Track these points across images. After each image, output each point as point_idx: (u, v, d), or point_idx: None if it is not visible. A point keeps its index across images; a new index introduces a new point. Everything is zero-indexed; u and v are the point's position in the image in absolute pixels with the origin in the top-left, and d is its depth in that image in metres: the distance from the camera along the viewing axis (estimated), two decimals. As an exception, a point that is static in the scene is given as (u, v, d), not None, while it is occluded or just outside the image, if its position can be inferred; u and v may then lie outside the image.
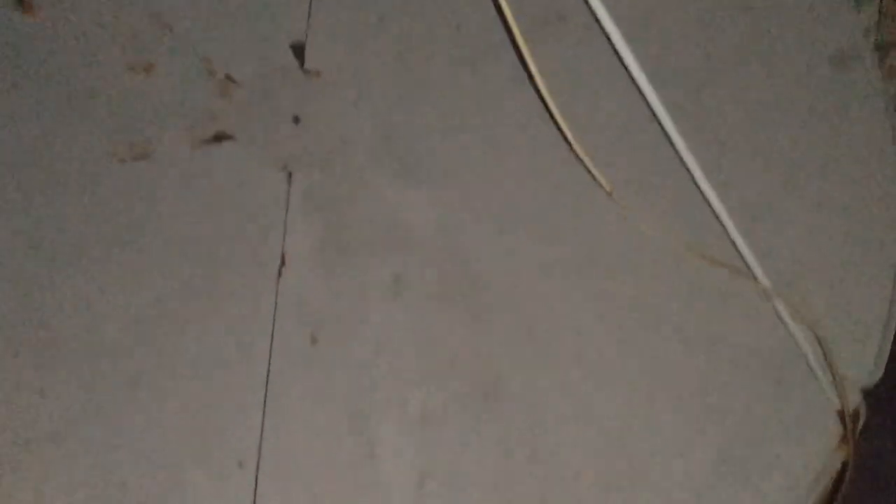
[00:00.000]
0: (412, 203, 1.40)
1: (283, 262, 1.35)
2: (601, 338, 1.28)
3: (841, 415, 1.18)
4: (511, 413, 1.24)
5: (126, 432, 1.19)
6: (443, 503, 1.18)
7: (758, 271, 1.13)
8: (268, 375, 1.25)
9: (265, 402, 1.23)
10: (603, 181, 1.14)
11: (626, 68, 0.96)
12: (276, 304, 1.31)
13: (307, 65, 1.49)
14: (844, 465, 1.18)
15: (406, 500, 1.18)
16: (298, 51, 1.50)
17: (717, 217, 1.07)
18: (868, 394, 1.25)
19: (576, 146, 1.06)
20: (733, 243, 1.11)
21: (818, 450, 1.17)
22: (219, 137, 1.43)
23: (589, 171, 1.13)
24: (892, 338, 1.26)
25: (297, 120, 1.46)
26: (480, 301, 1.33)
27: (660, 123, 1.01)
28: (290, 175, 1.42)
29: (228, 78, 1.47)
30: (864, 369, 1.24)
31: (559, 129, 1.03)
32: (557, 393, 1.25)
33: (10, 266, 1.31)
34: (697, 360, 1.25)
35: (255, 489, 1.16)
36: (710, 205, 1.07)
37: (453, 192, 1.41)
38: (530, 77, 1.00)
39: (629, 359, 1.26)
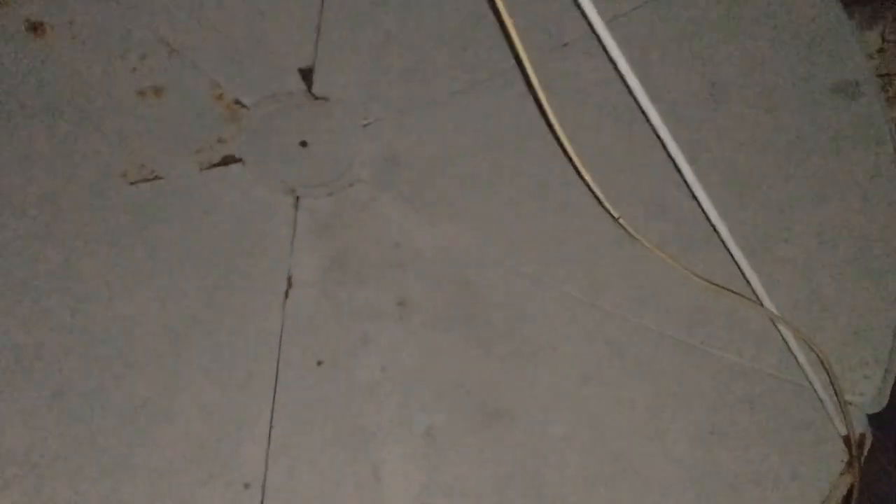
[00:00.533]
0: (418, 227, 1.41)
1: (289, 285, 1.36)
2: (607, 361, 1.29)
3: (847, 440, 1.18)
4: (515, 435, 1.24)
5: (134, 455, 1.19)
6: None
7: (764, 298, 1.13)
8: (274, 397, 1.25)
9: (271, 423, 1.23)
10: (610, 207, 1.15)
11: (632, 95, 0.97)
12: (282, 325, 1.31)
13: (315, 89, 1.51)
14: (850, 490, 1.17)
15: (410, 522, 1.17)
16: (307, 75, 1.52)
17: (723, 243, 1.08)
18: (873, 418, 1.25)
19: (583, 171, 1.06)
20: (740, 270, 1.12)
21: (825, 475, 1.17)
22: (227, 161, 1.45)
23: (596, 197, 1.13)
24: (897, 363, 1.26)
25: (304, 144, 1.47)
26: (485, 324, 1.33)
27: (667, 151, 1.02)
28: (297, 199, 1.43)
29: (237, 102, 1.48)
30: (869, 395, 1.24)
31: (566, 154, 1.04)
32: (562, 416, 1.25)
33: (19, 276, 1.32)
34: (704, 385, 1.25)
35: (262, 510, 1.16)
36: (716, 231, 1.08)
37: (460, 216, 1.42)
38: (537, 101, 1.02)
39: (635, 382, 1.26)
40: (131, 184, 1.40)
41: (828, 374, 1.15)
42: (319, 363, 1.30)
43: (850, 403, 1.21)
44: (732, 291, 1.20)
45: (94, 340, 1.28)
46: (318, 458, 1.22)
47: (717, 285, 1.22)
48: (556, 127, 1.02)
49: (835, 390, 1.17)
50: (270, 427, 1.23)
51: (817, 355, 1.16)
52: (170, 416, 1.23)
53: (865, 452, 1.22)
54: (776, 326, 1.18)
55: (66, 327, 1.28)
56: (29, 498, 1.14)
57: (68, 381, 1.24)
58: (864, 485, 1.22)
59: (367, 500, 1.19)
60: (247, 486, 1.19)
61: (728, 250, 1.08)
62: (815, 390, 1.17)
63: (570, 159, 1.06)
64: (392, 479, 1.21)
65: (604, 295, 1.33)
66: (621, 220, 1.20)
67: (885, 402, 1.24)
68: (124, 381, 1.24)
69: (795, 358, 1.16)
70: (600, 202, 1.15)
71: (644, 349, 1.28)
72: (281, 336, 1.31)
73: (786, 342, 1.16)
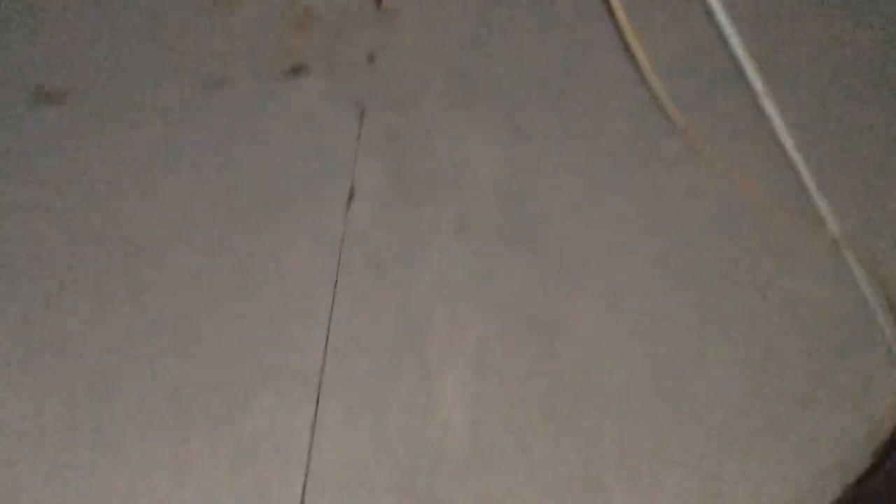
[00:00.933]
0: (480, 145, 1.41)
1: (351, 195, 1.38)
2: (661, 283, 1.29)
3: (904, 370, 1.17)
4: (566, 350, 1.25)
5: (199, 350, 1.23)
6: (495, 430, 1.19)
7: (830, 221, 1.11)
8: (333, 300, 1.28)
9: (329, 324, 1.26)
10: (676, 116, 1.13)
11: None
12: (343, 233, 1.34)
13: (385, 3, 1.51)
14: (903, 421, 1.16)
15: (460, 425, 1.19)
16: (378, -11, 1.53)
17: (791, 164, 1.06)
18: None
19: (651, 80, 1.05)
20: (807, 191, 1.10)
21: (882, 403, 1.16)
22: (295, 70, 1.46)
23: (662, 108, 1.12)
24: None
25: (371, 58, 1.48)
26: (541, 243, 1.34)
27: (738, 65, 1.01)
28: (362, 112, 1.44)
29: (308, 12, 1.50)
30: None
31: (635, 62, 1.03)
32: (614, 334, 1.25)
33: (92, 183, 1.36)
34: (762, 309, 1.24)
35: (317, 404, 1.19)
36: (785, 151, 1.06)
37: (522, 135, 1.42)
38: (609, 10, 1.01)
39: (689, 305, 1.26)
40: (200, 89, 1.43)
41: (889, 303, 1.13)
42: (378, 270, 1.32)
43: (911, 335, 1.20)
44: (797, 211, 1.17)
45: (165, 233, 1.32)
46: (373, 360, 1.24)
47: (782, 204, 1.20)
48: (628, 35, 1.01)
49: (893, 315, 1.15)
50: (328, 328, 1.26)
51: (880, 284, 1.14)
52: (231, 316, 1.26)
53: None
54: (840, 251, 1.16)
55: (143, 221, 1.33)
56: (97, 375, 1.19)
57: (138, 281, 1.28)
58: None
59: (419, 405, 1.21)
60: (304, 381, 1.22)
61: (795, 171, 1.06)
62: (876, 319, 1.15)
63: (639, 68, 1.05)
64: (443, 387, 1.23)
65: (661, 214, 1.32)
66: (686, 132, 1.18)
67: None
68: (189, 281, 1.28)
69: (858, 286, 1.14)
70: (666, 113, 1.13)
71: (701, 273, 1.28)
72: (342, 243, 1.33)
73: (849, 269, 1.14)
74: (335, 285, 1.30)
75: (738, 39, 0.96)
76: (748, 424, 1.15)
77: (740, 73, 1.02)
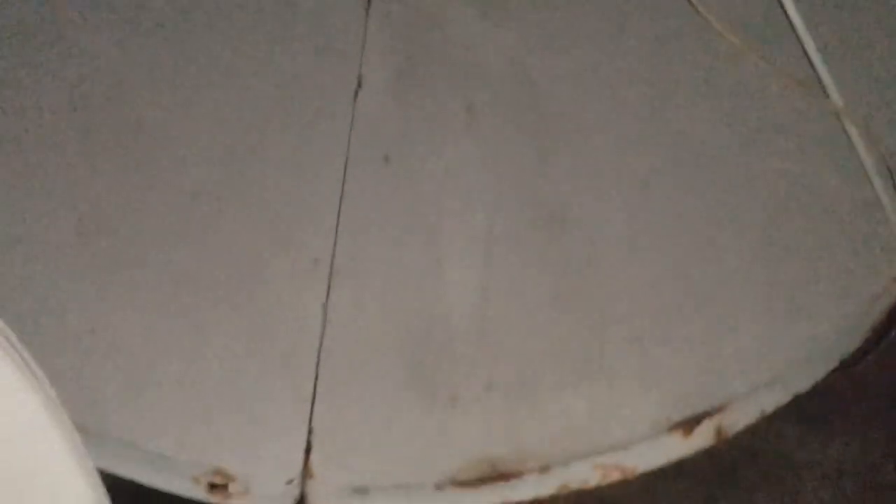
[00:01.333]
0: (489, 34, 1.42)
1: (359, 85, 1.39)
2: (668, 168, 1.31)
3: (905, 249, 1.19)
4: (573, 236, 1.27)
5: (212, 231, 1.26)
6: (504, 310, 1.22)
7: (832, 91, 1.13)
8: (343, 185, 1.30)
9: (339, 208, 1.28)
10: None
11: None
12: (351, 122, 1.36)
13: None
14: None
15: (468, 307, 1.22)
16: None
17: (794, 30, 1.07)
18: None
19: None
20: (809, 59, 1.11)
21: (881, 278, 1.19)
22: (300, -39, 1.46)
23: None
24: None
25: (379, -55, 1.48)
26: (550, 132, 1.36)
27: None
28: (368, 1, 1.45)
29: None
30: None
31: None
32: (620, 220, 1.28)
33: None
34: (764, 183, 1.26)
35: (329, 283, 1.22)
36: (788, 18, 1.07)
37: (531, 25, 1.42)
38: None
39: (694, 188, 1.28)
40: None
41: (891, 175, 1.16)
42: (387, 159, 1.34)
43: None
44: (799, 80, 1.18)
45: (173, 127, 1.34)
46: (383, 245, 1.27)
47: (783, 72, 1.20)
48: None
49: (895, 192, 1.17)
50: (339, 211, 1.28)
51: (881, 155, 1.16)
52: (243, 200, 1.28)
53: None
54: (842, 121, 1.18)
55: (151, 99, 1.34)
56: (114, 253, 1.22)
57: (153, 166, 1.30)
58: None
59: (429, 289, 1.24)
60: (316, 261, 1.25)
61: (799, 38, 1.07)
62: (875, 191, 1.17)
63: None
64: (453, 272, 1.26)
65: (671, 96, 1.34)
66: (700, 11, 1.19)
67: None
68: (202, 168, 1.31)
69: (859, 157, 1.16)
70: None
71: (702, 152, 1.30)
72: (350, 131, 1.35)
73: (850, 139, 1.16)
74: (345, 171, 1.32)
75: None
76: (748, 295, 1.18)
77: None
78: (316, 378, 1.14)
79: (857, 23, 1.34)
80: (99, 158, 1.28)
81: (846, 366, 1.19)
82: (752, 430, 1.51)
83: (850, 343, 1.14)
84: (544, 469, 1.07)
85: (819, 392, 1.52)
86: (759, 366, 1.12)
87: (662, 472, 1.55)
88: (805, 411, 1.54)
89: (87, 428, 1.03)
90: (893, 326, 1.20)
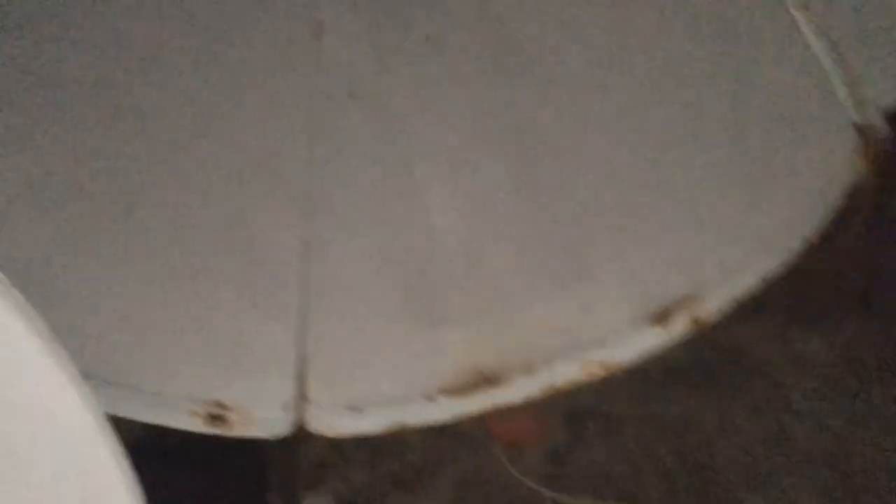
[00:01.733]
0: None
1: (318, 27, 1.40)
2: (632, 78, 1.34)
3: (858, 128, 1.22)
4: (544, 152, 1.30)
5: (186, 177, 1.28)
6: (482, 229, 1.25)
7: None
8: (311, 124, 1.32)
9: (313, 145, 1.30)
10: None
11: None
12: (315, 63, 1.37)
13: None
14: (862, 178, 1.23)
15: (449, 227, 1.25)
16: None
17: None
18: (892, 118, 1.28)
19: None
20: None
21: (836, 161, 1.22)
22: None
23: None
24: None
25: None
26: (515, 57, 1.38)
27: None
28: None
29: None
30: (887, 90, 1.27)
31: None
32: (586, 129, 1.31)
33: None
34: (719, 76, 1.29)
35: (309, 218, 1.24)
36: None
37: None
38: None
39: (651, 85, 1.31)
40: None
41: (842, 61, 1.18)
42: (354, 96, 1.37)
43: (866, 97, 1.25)
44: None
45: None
46: (359, 177, 1.29)
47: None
48: None
49: (848, 77, 1.20)
50: (312, 150, 1.31)
51: (832, 43, 1.19)
52: (215, 137, 1.31)
53: (880, 144, 1.26)
54: (789, 10, 1.20)
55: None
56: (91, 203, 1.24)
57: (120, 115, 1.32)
58: (879, 181, 1.27)
59: (406, 210, 1.27)
60: (294, 199, 1.27)
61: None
62: (829, 80, 1.20)
63: None
64: (428, 192, 1.29)
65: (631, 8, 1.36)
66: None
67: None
68: (164, 113, 1.32)
69: (809, 45, 1.19)
70: None
71: (656, 53, 1.33)
72: (315, 73, 1.37)
73: (798, 28, 1.19)
74: (313, 111, 1.34)
75: None
76: (712, 186, 1.22)
77: None
78: (305, 306, 1.16)
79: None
80: (68, 111, 1.30)
81: (815, 248, 1.23)
82: (727, 328, 1.56)
83: (811, 225, 1.18)
84: (530, 371, 1.10)
85: (794, 288, 1.57)
86: (728, 254, 1.16)
87: (651, 378, 1.60)
88: (783, 306, 1.59)
89: (85, 371, 1.06)
90: (856, 203, 1.24)
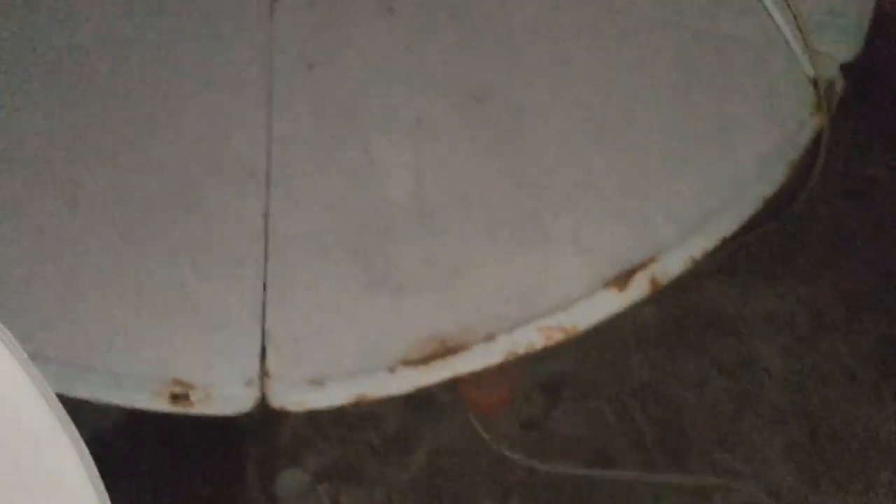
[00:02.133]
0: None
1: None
2: (584, 39, 1.33)
3: (814, 82, 1.22)
4: (500, 115, 1.30)
5: (145, 153, 1.27)
6: (438, 195, 1.24)
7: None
8: (270, 98, 1.31)
9: (270, 122, 1.30)
10: None
11: None
12: (270, 35, 1.36)
13: None
14: (819, 132, 1.23)
15: (405, 194, 1.25)
16: None
17: None
18: (847, 70, 1.28)
19: None
20: None
21: (793, 117, 1.22)
22: None
23: None
24: (870, 14, 1.28)
25: None
26: (468, 23, 1.38)
27: None
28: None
29: None
30: (842, 45, 1.27)
31: None
32: (543, 94, 1.30)
33: None
34: (674, 37, 1.28)
35: (267, 193, 1.24)
36: None
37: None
38: None
39: (608, 49, 1.30)
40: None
41: (795, 18, 1.18)
42: (310, 66, 1.36)
43: (821, 53, 1.25)
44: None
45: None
46: (316, 148, 1.29)
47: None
48: None
49: (801, 33, 1.20)
50: (269, 125, 1.30)
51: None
52: (174, 114, 1.30)
53: (837, 98, 1.26)
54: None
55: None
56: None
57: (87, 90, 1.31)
58: (836, 134, 1.27)
59: (365, 182, 1.27)
60: (251, 174, 1.27)
61: None
62: (784, 37, 1.20)
63: None
64: (386, 163, 1.28)
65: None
66: None
67: (857, 49, 1.27)
68: (132, 86, 1.32)
69: (766, 7, 1.18)
70: None
71: (613, 18, 1.31)
72: (270, 45, 1.36)
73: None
74: (271, 85, 1.33)
75: None
76: (668, 147, 1.22)
77: None
78: (265, 282, 1.16)
79: None
80: (35, 89, 1.30)
81: (776, 209, 1.23)
82: (697, 290, 1.56)
83: (772, 182, 1.18)
84: (490, 338, 1.10)
85: (762, 246, 1.57)
86: (684, 214, 1.16)
87: (621, 341, 1.60)
88: (750, 266, 1.59)
89: (43, 354, 1.06)
90: (815, 160, 1.24)
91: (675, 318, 1.63)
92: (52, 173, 1.23)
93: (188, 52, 1.36)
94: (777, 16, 1.19)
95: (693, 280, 1.53)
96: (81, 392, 1.06)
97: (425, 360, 1.10)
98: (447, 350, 1.10)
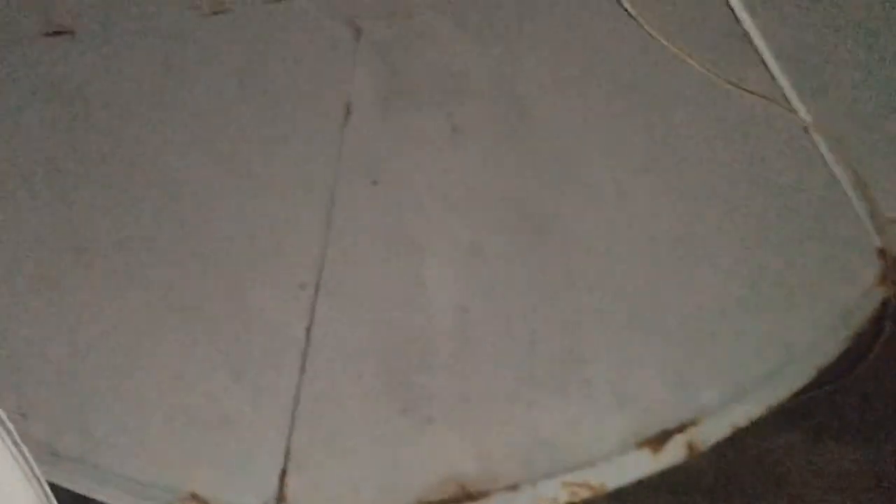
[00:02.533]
0: (472, 53, 1.45)
1: (348, 111, 1.43)
2: (645, 180, 1.31)
3: (881, 252, 1.17)
4: (553, 248, 1.29)
5: (198, 255, 1.30)
6: (481, 328, 1.22)
7: (798, 106, 1.12)
8: (331, 211, 1.33)
9: (327, 233, 1.31)
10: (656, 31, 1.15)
11: None
12: (340, 148, 1.39)
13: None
14: (885, 303, 1.17)
15: (448, 323, 1.23)
16: None
17: (756, 50, 1.06)
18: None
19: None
20: (772, 76, 1.11)
21: (857, 286, 1.17)
22: (290, -7, 1.51)
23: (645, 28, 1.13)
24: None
25: (363, -24, 1.52)
26: (532, 146, 1.38)
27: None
28: (358, 30, 1.48)
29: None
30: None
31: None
32: (600, 231, 1.29)
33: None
34: (739, 196, 1.25)
35: (314, 307, 1.25)
36: (749, 38, 1.07)
37: (512, 42, 1.45)
38: None
39: (669, 195, 1.28)
40: (201, 16, 1.49)
41: (862, 184, 1.13)
42: (374, 183, 1.38)
43: (887, 217, 1.19)
44: (766, 97, 1.18)
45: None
46: (369, 265, 1.30)
47: (752, 90, 1.21)
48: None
49: (868, 202, 1.15)
50: (327, 238, 1.32)
51: (851, 167, 1.14)
52: (231, 219, 1.33)
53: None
54: (810, 134, 1.16)
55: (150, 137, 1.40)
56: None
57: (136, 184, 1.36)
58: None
59: (411, 307, 1.26)
60: (302, 286, 1.28)
61: (761, 56, 1.06)
62: (851, 203, 1.15)
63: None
64: (434, 285, 1.28)
65: (649, 117, 1.35)
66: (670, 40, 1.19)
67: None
68: (185, 187, 1.36)
69: (829, 169, 1.14)
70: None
71: (683, 165, 1.30)
72: (339, 157, 1.39)
73: (820, 152, 1.14)
74: (333, 195, 1.36)
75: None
76: (722, 307, 1.18)
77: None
78: (296, 402, 1.16)
79: (824, 43, 1.33)
80: (93, 181, 1.35)
81: (833, 377, 1.17)
82: (759, 441, 1.49)
83: (827, 353, 1.12)
84: (513, 487, 1.08)
85: (827, 403, 1.49)
86: (729, 380, 1.12)
87: (666, 484, 1.54)
88: (812, 422, 1.52)
89: (62, 452, 1.09)
90: (880, 332, 1.18)
91: (729, 464, 1.56)
92: (105, 267, 1.27)
93: (255, 151, 1.40)
94: (844, 182, 1.14)
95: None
96: (99, 495, 1.08)
97: (443, 503, 1.08)
98: (466, 495, 1.07)
